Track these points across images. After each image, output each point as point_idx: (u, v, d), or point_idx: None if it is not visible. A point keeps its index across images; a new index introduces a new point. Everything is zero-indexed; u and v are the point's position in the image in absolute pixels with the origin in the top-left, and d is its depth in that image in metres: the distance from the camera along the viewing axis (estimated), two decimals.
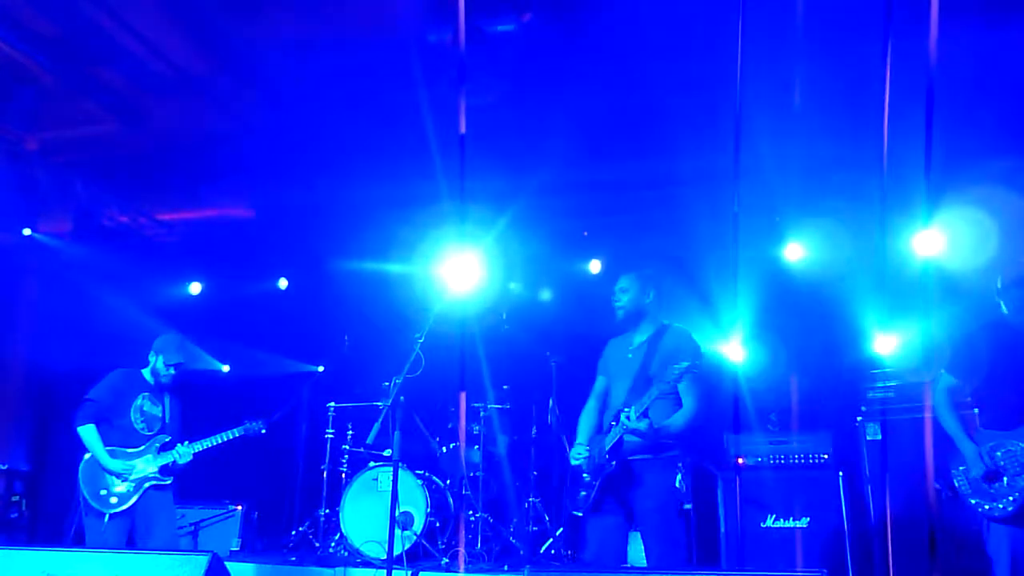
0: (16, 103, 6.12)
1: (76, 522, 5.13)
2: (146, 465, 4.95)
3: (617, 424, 4.06)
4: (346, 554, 5.94)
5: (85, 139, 6.83)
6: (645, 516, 4.08)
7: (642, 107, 6.08)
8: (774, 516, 5.66)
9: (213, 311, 8.32)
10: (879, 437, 5.70)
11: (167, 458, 4.98)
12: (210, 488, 6.98)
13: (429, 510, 5.92)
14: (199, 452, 5.08)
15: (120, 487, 4.87)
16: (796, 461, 5.88)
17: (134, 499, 4.88)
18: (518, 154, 6.47)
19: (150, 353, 5.17)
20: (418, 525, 5.87)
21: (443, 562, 5.68)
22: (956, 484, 3.94)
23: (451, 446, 6.72)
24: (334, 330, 8.28)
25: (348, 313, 8.18)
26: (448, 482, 6.46)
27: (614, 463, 4.05)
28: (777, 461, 5.91)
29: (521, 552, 6.05)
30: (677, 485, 4.16)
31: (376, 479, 6.13)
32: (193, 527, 6.65)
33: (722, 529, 5.78)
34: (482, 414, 6.55)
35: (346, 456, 6.68)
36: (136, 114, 6.33)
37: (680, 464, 4.20)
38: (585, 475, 4.22)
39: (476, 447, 6.56)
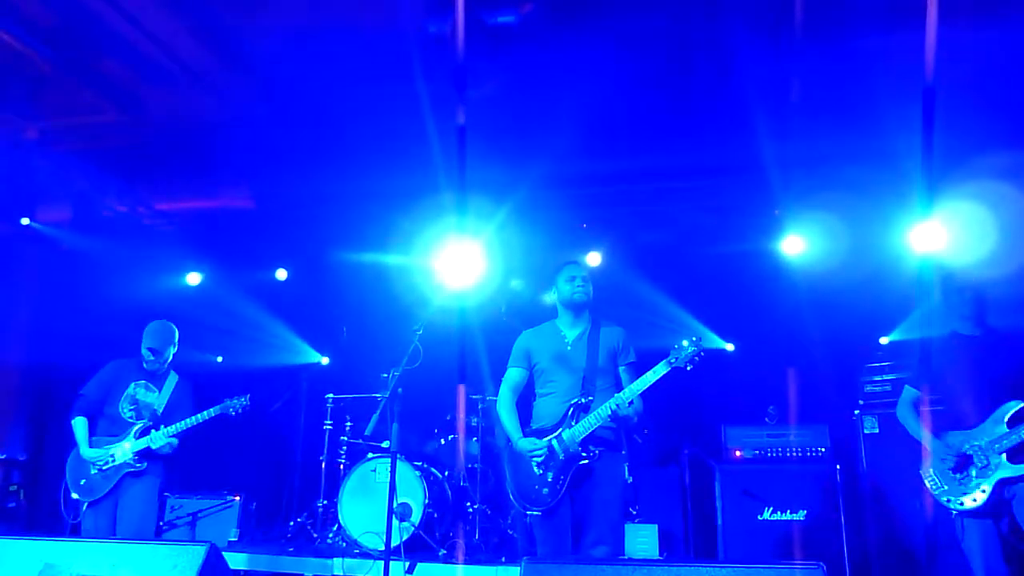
0: (15, 92, 6.10)
1: (72, 514, 5.16)
2: (123, 452, 4.95)
3: (588, 414, 4.05)
4: (344, 545, 5.96)
5: (84, 128, 6.80)
6: (602, 508, 4.02)
7: (642, 100, 6.07)
8: (771, 509, 5.68)
9: (211, 302, 8.31)
10: (876, 430, 5.72)
11: (142, 443, 4.96)
12: (208, 478, 7.01)
13: (427, 501, 5.93)
14: (183, 434, 5.03)
15: (97, 475, 4.93)
16: (794, 454, 5.90)
17: (111, 486, 4.91)
18: (517, 146, 6.45)
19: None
20: (416, 516, 5.88)
21: (441, 553, 5.69)
22: (927, 484, 4.05)
23: (449, 438, 6.73)
24: (333, 321, 8.29)
25: (347, 304, 8.19)
26: (446, 474, 6.47)
27: (585, 454, 4.04)
28: (775, 454, 5.92)
29: (519, 544, 6.06)
30: (626, 476, 4.18)
31: (374, 470, 6.14)
32: (191, 517, 6.66)
33: (719, 521, 5.79)
34: (481, 406, 6.56)
35: (344, 447, 6.69)
36: (135, 104, 6.31)
37: (625, 453, 4.25)
38: (539, 469, 4.10)
39: (474, 439, 6.57)
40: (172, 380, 5.26)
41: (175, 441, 5.03)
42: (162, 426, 5.02)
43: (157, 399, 5.17)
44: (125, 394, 5.11)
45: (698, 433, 6.64)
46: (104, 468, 4.93)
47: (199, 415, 5.06)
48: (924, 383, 4.32)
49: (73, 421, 5.06)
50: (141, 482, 4.98)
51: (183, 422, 5.02)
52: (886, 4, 5.02)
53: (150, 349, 5.13)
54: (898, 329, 6.44)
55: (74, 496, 4.94)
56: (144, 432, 5.02)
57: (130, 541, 3.70)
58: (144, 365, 5.19)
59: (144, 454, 4.97)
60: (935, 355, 4.32)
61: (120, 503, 4.93)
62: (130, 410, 5.09)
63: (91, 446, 5.00)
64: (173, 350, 5.27)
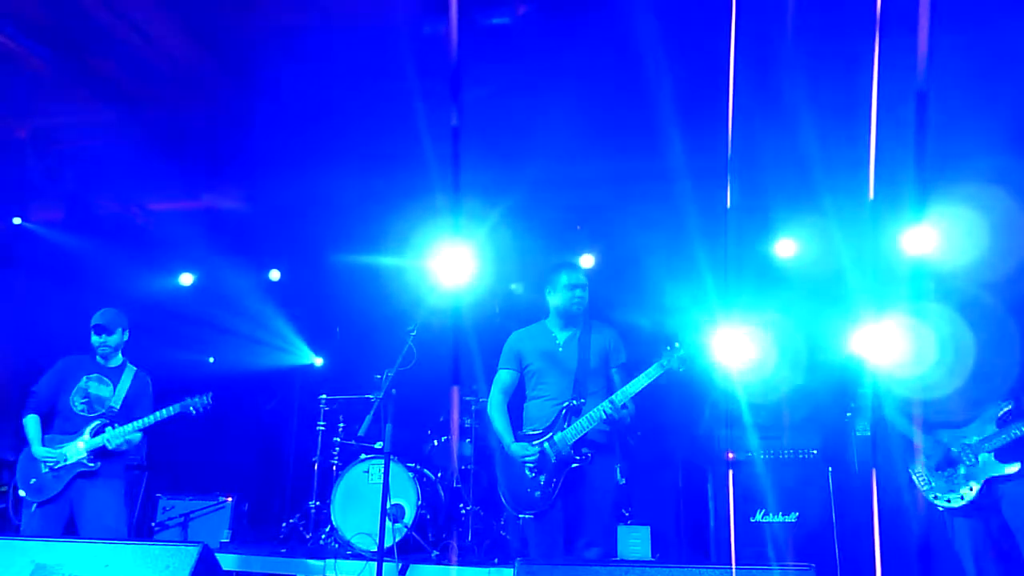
0: (7, 91, 6.09)
1: (18, 515, 5.03)
2: (76, 451, 4.73)
3: (579, 417, 4.05)
4: (336, 546, 5.94)
5: (77, 127, 6.79)
6: (594, 510, 4.03)
7: (636, 101, 6.08)
8: (764, 511, 5.69)
9: (204, 302, 8.30)
10: (868, 433, 5.73)
11: (97, 442, 4.74)
12: (201, 479, 6.99)
13: (420, 503, 5.92)
14: (147, 430, 4.83)
15: (48, 474, 4.71)
16: (786, 456, 5.91)
17: (61, 487, 4.69)
18: (512, 147, 6.46)
19: None
20: (409, 518, 5.87)
21: (433, 555, 5.69)
22: (916, 482, 4.05)
23: (443, 439, 6.73)
24: (326, 322, 8.28)
25: (340, 305, 8.18)
26: (439, 475, 6.47)
27: (578, 457, 4.04)
28: (767, 456, 5.93)
29: (512, 545, 6.06)
30: (618, 478, 4.19)
31: (367, 471, 6.13)
32: (183, 518, 6.64)
33: (712, 523, 5.80)
34: (474, 408, 6.56)
35: (337, 448, 6.68)
36: (128, 103, 6.30)
37: (618, 455, 4.25)
38: (531, 473, 4.09)
39: (468, 440, 6.57)
40: (129, 374, 5.02)
41: (137, 437, 4.81)
42: (116, 424, 4.79)
43: (112, 393, 4.93)
44: (77, 387, 4.89)
45: (691, 435, 6.64)
46: (56, 468, 4.70)
47: (158, 412, 4.82)
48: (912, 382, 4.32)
49: (25, 419, 4.85)
50: (97, 485, 4.73)
51: (140, 421, 4.79)
52: (879, 8, 5.04)
53: (96, 327, 4.90)
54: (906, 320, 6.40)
55: (22, 494, 4.72)
56: (99, 430, 4.79)
57: (122, 542, 3.69)
58: (97, 358, 4.99)
59: (99, 453, 4.73)
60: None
61: (78, 508, 4.69)
62: (81, 403, 4.86)
63: (45, 444, 4.78)
64: (122, 334, 5.03)
